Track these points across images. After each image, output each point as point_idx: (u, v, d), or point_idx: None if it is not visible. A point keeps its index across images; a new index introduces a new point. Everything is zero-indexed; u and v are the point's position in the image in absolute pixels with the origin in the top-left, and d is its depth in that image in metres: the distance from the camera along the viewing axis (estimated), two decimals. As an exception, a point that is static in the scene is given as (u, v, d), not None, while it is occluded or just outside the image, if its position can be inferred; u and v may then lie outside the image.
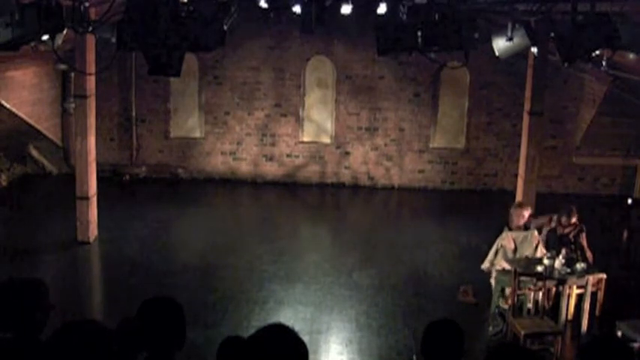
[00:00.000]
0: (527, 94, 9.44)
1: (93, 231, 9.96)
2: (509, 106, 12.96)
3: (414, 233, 11.07)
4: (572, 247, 8.09)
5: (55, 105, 12.84)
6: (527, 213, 8.22)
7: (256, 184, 13.55)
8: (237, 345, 3.34)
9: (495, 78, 12.89)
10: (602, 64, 7.23)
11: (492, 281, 8.07)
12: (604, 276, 7.75)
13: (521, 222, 8.16)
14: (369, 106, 13.36)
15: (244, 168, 13.62)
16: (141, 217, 11.34)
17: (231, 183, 13.55)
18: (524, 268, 7.51)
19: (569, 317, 7.74)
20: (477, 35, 6.14)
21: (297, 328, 2.63)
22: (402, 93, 13.30)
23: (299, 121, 13.47)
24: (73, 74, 10.95)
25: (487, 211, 11.77)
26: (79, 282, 9.07)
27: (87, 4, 6.39)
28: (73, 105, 11.31)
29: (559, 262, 7.47)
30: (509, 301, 7.51)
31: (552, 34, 6.22)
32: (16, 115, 11.32)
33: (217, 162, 13.61)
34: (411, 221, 12.02)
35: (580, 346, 7.20)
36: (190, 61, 12.61)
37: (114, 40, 5.82)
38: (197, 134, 13.57)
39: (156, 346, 3.05)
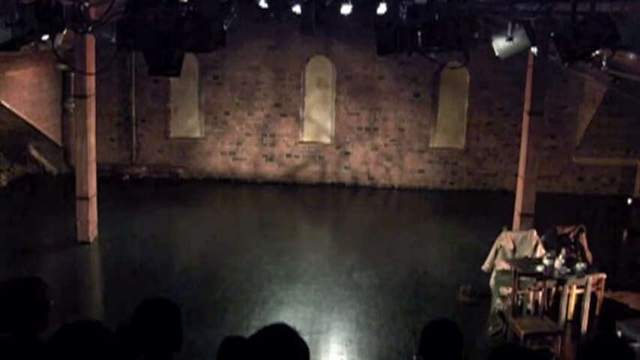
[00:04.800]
0: (527, 94, 9.44)
1: (93, 231, 9.96)
2: (509, 106, 12.95)
3: (414, 233, 11.07)
4: (572, 247, 8.10)
5: (55, 105, 12.84)
6: None
7: (256, 184, 13.55)
8: (237, 345, 3.34)
9: (495, 78, 12.88)
10: (602, 64, 7.23)
11: (492, 281, 8.07)
12: (604, 276, 7.76)
13: None
14: (369, 106, 13.35)
15: (244, 168, 13.62)
16: (141, 217, 11.34)
17: (231, 183, 13.55)
18: (524, 268, 7.51)
19: (569, 317, 7.74)
20: (476, 35, 6.13)
21: (297, 328, 2.63)
22: (402, 93, 13.30)
23: (299, 121, 13.47)
24: (73, 74, 10.96)
25: (487, 211, 11.77)
26: (79, 282, 9.08)
27: (87, 4, 6.40)
28: (73, 105, 11.31)
29: (559, 262, 7.47)
30: (509, 301, 7.51)
31: (552, 34, 6.22)
32: (16, 115, 11.32)
33: (217, 162, 13.61)
34: (411, 221, 12.01)
35: (580, 346, 7.20)
36: (190, 61, 12.60)
37: (114, 40, 5.82)
38: (197, 134, 13.57)
39: (153, 348, 3.05)
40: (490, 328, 7.62)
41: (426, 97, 13.29)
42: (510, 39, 7.11)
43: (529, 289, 7.61)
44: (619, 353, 3.00)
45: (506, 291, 7.71)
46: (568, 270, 7.47)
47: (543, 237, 8.35)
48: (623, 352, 3.03)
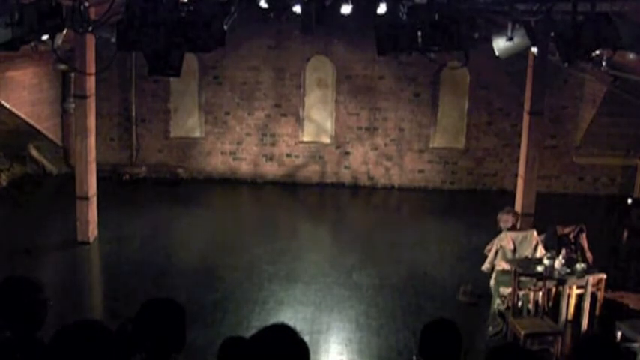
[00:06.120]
0: (527, 94, 9.44)
1: (93, 231, 9.96)
2: (509, 106, 12.95)
3: (414, 233, 11.07)
4: (572, 247, 8.10)
5: (55, 105, 12.84)
6: (511, 218, 8.30)
7: (256, 184, 13.55)
8: (238, 345, 3.34)
9: (495, 78, 12.88)
10: (602, 64, 7.23)
11: (492, 281, 8.07)
12: (604, 276, 7.76)
13: (508, 226, 8.19)
14: (369, 106, 13.35)
15: (244, 168, 13.62)
16: (141, 217, 11.33)
17: (231, 183, 13.55)
18: (524, 268, 7.51)
19: (569, 317, 7.74)
20: (476, 35, 6.14)
21: (297, 328, 2.63)
22: (402, 93, 13.30)
23: (299, 121, 13.47)
24: (73, 74, 10.95)
25: (487, 211, 11.70)
26: (79, 282, 9.07)
27: (87, 4, 6.40)
28: (73, 105, 11.31)
29: (559, 262, 7.47)
30: (509, 301, 7.51)
31: (552, 34, 6.22)
32: (16, 115, 11.32)
33: (217, 162, 13.61)
34: (411, 221, 12.01)
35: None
36: (190, 61, 12.60)
37: (114, 40, 5.82)
38: (197, 134, 13.57)
39: (154, 348, 3.03)
40: (490, 328, 7.62)
41: (426, 97, 13.29)
42: (510, 39, 7.11)
43: (529, 289, 7.61)
44: (611, 352, 3.01)
45: (506, 291, 7.71)
46: (568, 270, 7.47)
47: (543, 237, 8.35)
48: (614, 350, 3.04)
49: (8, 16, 4.96)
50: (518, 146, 10.08)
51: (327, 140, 13.56)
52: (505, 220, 8.23)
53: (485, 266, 8.29)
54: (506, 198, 11.04)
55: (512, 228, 8.25)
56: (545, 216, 9.46)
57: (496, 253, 8.18)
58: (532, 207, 9.42)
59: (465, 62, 6.57)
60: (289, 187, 13.46)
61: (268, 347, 2.52)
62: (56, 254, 9.69)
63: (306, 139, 13.56)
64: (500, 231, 8.37)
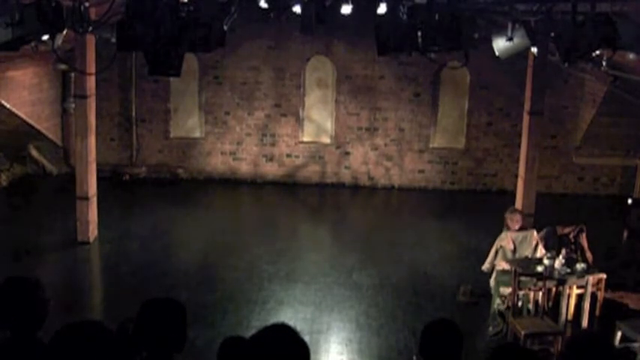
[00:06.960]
0: (527, 94, 9.45)
1: (93, 231, 9.96)
2: (509, 106, 12.96)
3: (414, 233, 11.07)
4: (572, 247, 8.10)
5: (55, 105, 12.85)
6: (520, 218, 8.27)
7: (256, 184, 13.55)
8: (238, 345, 3.33)
9: (495, 78, 12.88)
10: (602, 64, 7.23)
11: (492, 281, 8.07)
12: (604, 276, 7.77)
13: (516, 226, 8.16)
14: (369, 106, 13.36)
15: (244, 168, 13.63)
16: (141, 217, 11.33)
17: (231, 183, 13.55)
18: (524, 268, 7.51)
19: (569, 317, 7.74)
20: (476, 35, 6.15)
21: (297, 328, 2.63)
22: (402, 93, 13.30)
23: (299, 121, 13.47)
24: (73, 74, 10.96)
25: (487, 211, 11.74)
26: (79, 282, 9.07)
27: (87, 4, 6.40)
28: (73, 105, 11.32)
29: (559, 262, 7.47)
30: (509, 301, 7.51)
31: (552, 34, 6.22)
32: (16, 115, 11.32)
33: (217, 162, 13.61)
34: (411, 221, 12.01)
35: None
36: (190, 61, 12.61)
37: (114, 40, 5.82)
38: (197, 134, 13.57)
39: (155, 347, 3.03)
40: (490, 328, 7.62)
41: (426, 97, 13.29)
42: (510, 39, 7.11)
43: (529, 289, 7.61)
44: (604, 350, 3.02)
45: (506, 291, 7.71)
46: (568, 270, 7.47)
47: (542, 233, 8.35)
48: (608, 349, 3.05)
49: (8, 16, 4.97)
50: (518, 146, 10.08)
51: (327, 140, 13.56)
52: (517, 220, 8.17)
53: (485, 266, 8.29)
54: (506, 198, 11.05)
55: (521, 228, 8.22)
56: (545, 216, 9.46)
57: (496, 253, 8.18)
58: (532, 207, 9.43)
59: (465, 62, 6.58)
60: (289, 187, 13.46)
61: (268, 347, 2.52)
62: (56, 254, 9.69)
63: (306, 139, 13.56)
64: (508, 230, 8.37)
